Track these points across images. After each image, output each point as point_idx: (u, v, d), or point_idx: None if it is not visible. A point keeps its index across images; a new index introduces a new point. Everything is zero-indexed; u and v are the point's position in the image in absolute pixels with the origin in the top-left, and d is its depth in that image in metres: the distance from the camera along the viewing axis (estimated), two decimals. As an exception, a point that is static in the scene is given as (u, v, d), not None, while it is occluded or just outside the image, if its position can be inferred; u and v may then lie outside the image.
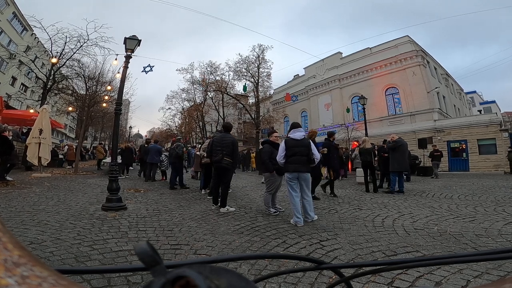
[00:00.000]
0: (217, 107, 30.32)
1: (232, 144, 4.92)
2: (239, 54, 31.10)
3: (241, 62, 26.67)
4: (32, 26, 15.58)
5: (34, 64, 14.32)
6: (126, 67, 5.59)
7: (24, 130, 13.82)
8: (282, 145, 4.23)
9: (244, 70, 26.76)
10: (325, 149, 6.55)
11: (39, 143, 8.26)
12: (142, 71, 8.16)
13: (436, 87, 19.97)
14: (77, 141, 15.93)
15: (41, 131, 8.20)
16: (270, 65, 27.67)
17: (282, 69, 37.88)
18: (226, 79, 27.49)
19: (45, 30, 12.23)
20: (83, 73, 13.27)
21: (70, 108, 15.35)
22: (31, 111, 13.36)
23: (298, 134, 4.19)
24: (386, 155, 7.61)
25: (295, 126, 4.36)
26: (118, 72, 10.88)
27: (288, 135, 4.27)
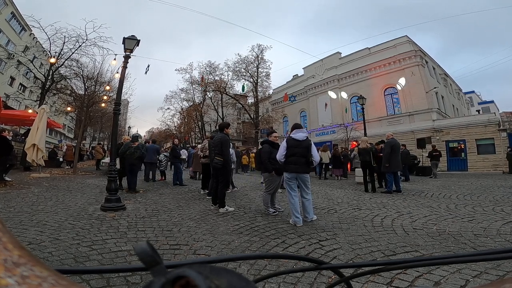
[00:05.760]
0: (216, 107, 30.37)
1: (220, 142, 4.91)
2: (238, 54, 31.15)
3: (240, 62, 26.78)
4: (30, 26, 15.52)
5: (33, 64, 14.29)
6: (125, 67, 5.59)
7: (22, 131, 13.80)
8: (283, 144, 4.23)
9: (243, 70, 26.86)
10: None
11: (34, 145, 8.09)
12: (145, 73, 8.19)
13: (435, 87, 20.00)
14: (76, 141, 15.89)
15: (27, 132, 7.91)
16: (269, 65, 27.87)
17: (281, 69, 37.88)
18: (225, 79, 27.55)
19: (43, 30, 12.23)
20: (81, 73, 13.25)
21: (69, 108, 15.31)
22: (30, 111, 13.30)
23: (299, 135, 4.18)
24: (381, 155, 7.63)
25: (297, 126, 4.36)
26: (117, 72, 10.88)
27: (291, 135, 4.26)
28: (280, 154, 4.17)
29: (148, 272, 0.22)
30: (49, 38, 12.43)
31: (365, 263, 0.36)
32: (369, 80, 22.31)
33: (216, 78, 27.75)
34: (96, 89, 13.66)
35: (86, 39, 12.37)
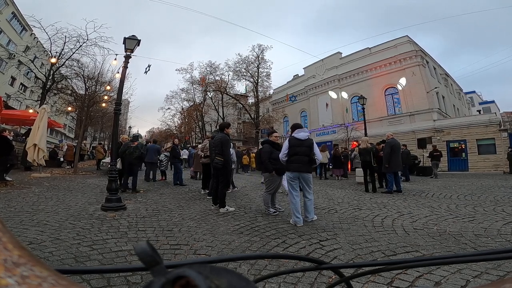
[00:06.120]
0: (217, 107, 30.39)
1: (220, 142, 4.91)
2: (238, 54, 31.21)
3: (241, 62, 26.85)
4: (31, 26, 15.56)
5: (34, 64, 14.31)
6: (125, 67, 5.59)
7: (23, 131, 13.82)
8: (286, 143, 4.23)
9: (243, 70, 26.92)
10: None
11: (35, 145, 8.07)
12: (144, 73, 8.15)
13: (436, 87, 19.98)
14: (77, 141, 15.92)
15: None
16: (269, 65, 27.95)
17: (282, 69, 37.91)
18: (225, 79, 27.60)
19: (44, 30, 12.25)
20: (82, 73, 13.26)
21: (70, 108, 15.33)
22: (30, 111, 13.32)
23: (302, 134, 4.19)
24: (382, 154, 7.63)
25: (297, 126, 4.36)
26: (118, 72, 10.88)
27: (293, 135, 4.27)
28: (283, 154, 4.15)
29: (148, 272, 0.22)
30: (49, 38, 12.47)
31: (365, 263, 0.36)
32: (370, 80, 22.29)
33: (217, 78, 27.82)
34: (97, 89, 13.67)
35: (87, 39, 12.40)
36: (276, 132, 5.20)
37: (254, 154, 15.00)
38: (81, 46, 12.65)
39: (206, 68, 28.02)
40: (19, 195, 5.46)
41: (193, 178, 10.31)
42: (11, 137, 9.11)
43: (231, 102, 29.58)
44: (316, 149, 4.20)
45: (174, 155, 8.95)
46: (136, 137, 7.85)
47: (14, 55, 18.34)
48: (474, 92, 43.25)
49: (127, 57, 5.44)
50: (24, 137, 11.47)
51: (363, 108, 14.75)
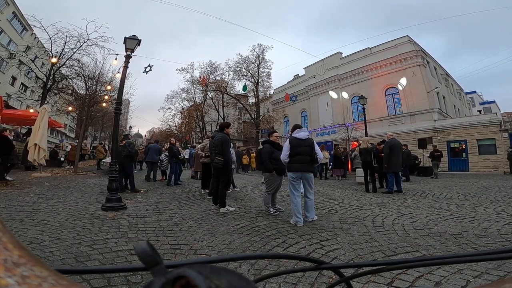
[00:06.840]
0: (217, 107, 30.40)
1: (220, 142, 4.92)
2: (239, 54, 31.23)
3: (241, 62, 26.87)
4: (32, 26, 15.57)
5: (34, 63, 14.32)
6: (126, 67, 5.60)
7: (24, 131, 13.84)
8: (286, 144, 4.22)
9: (244, 70, 26.94)
10: None
11: (36, 145, 8.07)
12: (143, 72, 8.14)
13: (436, 87, 19.97)
14: (77, 140, 15.91)
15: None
16: (270, 65, 27.96)
17: (282, 69, 37.91)
18: (226, 79, 27.62)
19: (45, 30, 12.27)
20: (83, 72, 13.26)
21: (70, 108, 15.34)
22: (31, 110, 13.33)
23: (302, 134, 4.19)
24: (382, 155, 7.63)
25: (297, 127, 4.36)
26: (118, 72, 10.90)
27: (293, 135, 4.26)
28: (284, 155, 4.14)
29: (148, 272, 0.22)
30: (50, 38, 12.48)
31: (365, 263, 0.36)
32: (370, 80, 22.29)
33: (217, 78, 27.85)
34: (97, 89, 13.67)
35: (88, 39, 12.41)
36: (277, 132, 5.20)
37: (254, 154, 15.00)
38: (81, 46, 12.68)
39: (206, 68, 28.06)
40: (19, 194, 5.46)
41: (194, 178, 10.31)
42: (12, 137, 9.12)
43: (232, 102, 29.59)
44: (317, 149, 4.21)
45: (172, 154, 8.96)
46: (126, 135, 7.74)
47: (15, 55, 18.36)
48: (474, 92, 43.17)
49: (128, 57, 5.45)
50: (25, 137, 11.48)
51: (364, 108, 14.73)
